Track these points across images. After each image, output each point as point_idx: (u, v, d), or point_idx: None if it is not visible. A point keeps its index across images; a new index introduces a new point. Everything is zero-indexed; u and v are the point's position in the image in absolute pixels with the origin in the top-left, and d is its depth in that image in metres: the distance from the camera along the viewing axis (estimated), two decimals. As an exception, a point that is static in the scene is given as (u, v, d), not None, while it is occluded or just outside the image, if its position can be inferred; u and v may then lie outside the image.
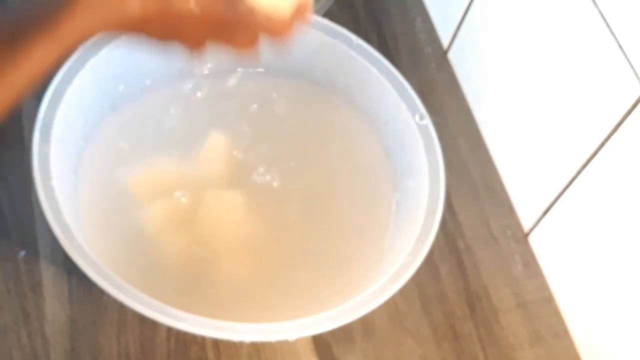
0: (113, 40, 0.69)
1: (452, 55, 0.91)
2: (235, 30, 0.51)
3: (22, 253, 0.72)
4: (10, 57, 0.43)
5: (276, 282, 0.69)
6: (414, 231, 0.65)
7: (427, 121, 0.70)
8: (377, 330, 0.72)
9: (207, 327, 0.58)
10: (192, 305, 0.60)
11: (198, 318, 0.58)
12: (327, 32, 0.74)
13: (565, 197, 0.73)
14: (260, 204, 0.72)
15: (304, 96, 0.78)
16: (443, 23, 0.92)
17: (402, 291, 0.61)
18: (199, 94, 0.77)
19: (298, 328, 0.59)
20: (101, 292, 0.57)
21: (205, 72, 0.78)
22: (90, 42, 0.54)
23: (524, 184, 0.80)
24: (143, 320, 0.68)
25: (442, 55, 0.92)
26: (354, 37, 0.74)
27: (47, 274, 0.71)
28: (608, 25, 0.63)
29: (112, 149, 0.73)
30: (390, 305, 0.71)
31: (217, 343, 0.70)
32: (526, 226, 0.80)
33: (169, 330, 0.69)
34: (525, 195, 0.80)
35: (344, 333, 0.71)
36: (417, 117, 0.70)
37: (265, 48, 0.53)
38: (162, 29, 0.49)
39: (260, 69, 0.78)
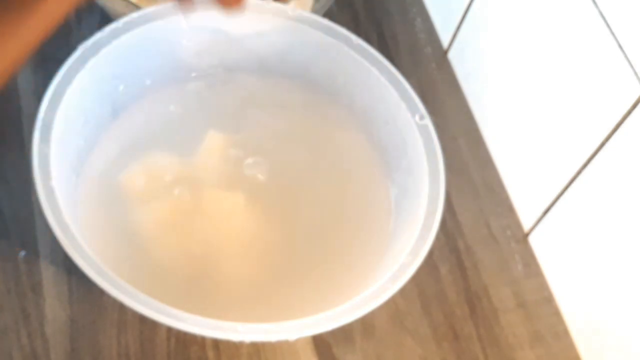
0: (113, 40, 0.69)
1: (452, 55, 0.91)
2: None
3: (22, 253, 0.72)
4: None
5: (276, 282, 0.69)
6: (414, 231, 0.65)
7: (427, 121, 0.70)
8: (377, 330, 0.72)
9: (207, 327, 0.58)
10: (192, 305, 0.60)
11: (198, 318, 0.58)
12: (327, 32, 0.74)
13: (565, 197, 0.73)
14: (260, 204, 0.72)
15: (303, 96, 0.78)
16: (443, 23, 0.92)
17: (402, 291, 0.61)
18: (199, 93, 0.77)
19: (298, 328, 0.59)
20: (101, 292, 0.57)
21: (209, 73, 0.78)
22: (90, 42, 0.54)
23: (524, 184, 0.80)
24: (143, 320, 0.68)
25: (442, 55, 0.92)
26: (354, 37, 0.74)
27: (47, 274, 0.71)
28: (608, 25, 0.63)
29: (112, 148, 0.73)
30: (390, 305, 0.71)
31: (217, 343, 0.70)
32: (526, 226, 0.80)
33: (169, 330, 0.69)
34: (525, 195, 0.80)
35: (344, 333, 0.71)
36: (417, 117, 0.70)
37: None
38: None
39: (260, 69, 0.78)
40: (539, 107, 0.75)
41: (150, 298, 0.58)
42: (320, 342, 0.71)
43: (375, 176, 0.75)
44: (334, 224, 0.73)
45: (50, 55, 0.66)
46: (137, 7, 0.75)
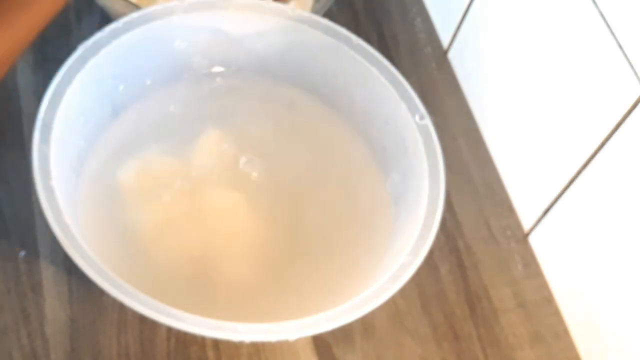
0: (113, 40, 0.69)
1: (452, 55, 0.91)
2: None
3: (22, 253, 0.72)
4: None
5: (276, 282, 0.69)
6: (414, 231, 0.65)
7: (427, 121, 0.70)
8: (377, 330, 0.72)
9: (207, 327, 0.58)
10: (192, 305, 0.60)
11: (198, 318, 0.58)
12: (327, 32, 0.74)
13: (565, 197, 0.73)
14: (260, 203, 0.72)
15: (303, 96, 0.78)
16: (443, 23, 0.92)
17: (402, 291, 0.61)
18: (199, 93, 0.77)
19: (298, 328, 0.59)
20: (101, 292, 0.57)
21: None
22: (90, 42, 0.54)
23: (524, 184, 0.80)
24: (143, 320, 0.68)
25: (442, 55, 0.92)
26: (354, 37, 0.74)
27: (47, 274, 0.71)
28: (608, 25, 0.63)
29: (112, 148, 0.73)
30: (390, 305, 0.71)
31: (217, 343, 0.70)
32: (526, 226, 0.80)
33: (169, 330, 0.69)
34: (525, 195, 0.80)
35: (344, 333, 0.71)
36: (417, 117, 0.70)
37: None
38: None
39: (260, 69, 0.78)
40: (539, 107, 0.75)
41: (150, 298, 0.58)
42: (320, 342, 0.71)
43: (375, 176, 0.75)
44: (334, 224, 0.73)
45: (50, 55, 0.66)
46: (137, 7, 0.75)
